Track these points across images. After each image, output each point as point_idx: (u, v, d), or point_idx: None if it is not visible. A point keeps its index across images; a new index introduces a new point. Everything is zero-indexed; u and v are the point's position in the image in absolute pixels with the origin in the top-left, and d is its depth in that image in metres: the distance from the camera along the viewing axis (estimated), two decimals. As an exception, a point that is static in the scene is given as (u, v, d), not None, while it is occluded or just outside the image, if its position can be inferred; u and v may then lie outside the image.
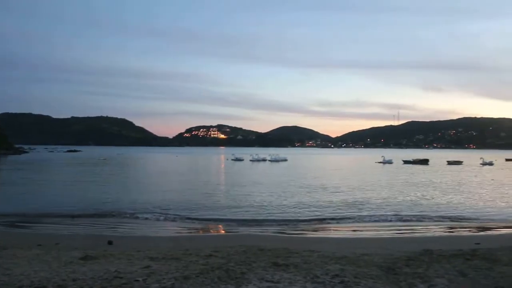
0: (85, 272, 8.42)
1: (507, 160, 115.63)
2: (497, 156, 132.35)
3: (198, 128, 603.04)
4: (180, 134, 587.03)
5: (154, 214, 23.17)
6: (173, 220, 21.81)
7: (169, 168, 72.98)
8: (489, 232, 18.85)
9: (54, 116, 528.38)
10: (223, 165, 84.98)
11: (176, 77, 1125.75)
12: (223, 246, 12.69)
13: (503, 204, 28.91)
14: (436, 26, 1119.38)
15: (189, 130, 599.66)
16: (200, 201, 28.36)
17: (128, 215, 22.82)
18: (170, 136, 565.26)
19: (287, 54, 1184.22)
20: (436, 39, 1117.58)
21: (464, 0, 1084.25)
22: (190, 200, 29.04)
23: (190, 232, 18.89)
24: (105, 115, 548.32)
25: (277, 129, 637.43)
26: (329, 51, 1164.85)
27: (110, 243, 14.29)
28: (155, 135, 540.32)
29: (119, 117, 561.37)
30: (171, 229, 19.41)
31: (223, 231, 19.41)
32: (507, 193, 35.37)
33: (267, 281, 8.08)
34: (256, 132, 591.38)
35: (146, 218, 22.01)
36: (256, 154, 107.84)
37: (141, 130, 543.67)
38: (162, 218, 22.19)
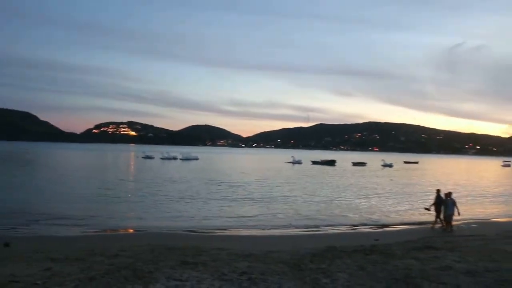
0: (-26, 277, 7.82)
1: (405, 162, 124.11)
2: (397, 158, 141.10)
3: (107, 124, 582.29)
4: (89, 130, 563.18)
5: (56, 214, 21.98)
6: (79, 219, 20.83)
7: (72, 166, 69.69)
8: (387, 229, 20.12)
9: None
10: (132, 163, 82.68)
11: (87, 71, 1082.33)
12: (131, 245, 12.41)
13: (399, 202, 30.92)
14: (347, 34, 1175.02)
15: (98, 126, 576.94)
16: (105, 202, 27.48)
17: (28, 216, 21.42)
18: (78, 132, 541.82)
19: (202, 53, 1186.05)
20: (347, 46, 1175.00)
21: (374, 11, 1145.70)
22: (95, 200, 28.03)
23: (96, 232, 18.20)
24: (5, 107, 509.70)
25: (189, 127, 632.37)
26: (243, 52, 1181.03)
27: (6, 245, 13.39)
28: (61, 131, 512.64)
29: (21, 110, 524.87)
30: (75, 229, 18.58)
31: (130, 230, 18.95)
32: (403, 192, 37.85)
33: (175, 279, 8.03)
34: (168, 130, 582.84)
35: (49, 219, 20.77)
36: (167, 152, 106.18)
37: (46, 124, 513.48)
38: (65, 219, 21.07)
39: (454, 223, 20.38)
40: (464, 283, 8.80)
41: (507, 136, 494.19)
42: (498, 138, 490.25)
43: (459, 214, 19.60)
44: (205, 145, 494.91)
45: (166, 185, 38.05)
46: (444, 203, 19.73)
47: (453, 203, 19.54)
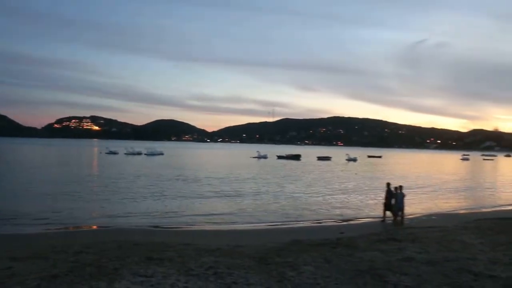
0: None
1: (369, 156, 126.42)
2: (360, 153, 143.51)
3: (70, 118, 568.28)
4: (50, 125, 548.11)
5: (15, 212, 21.33)
6: (40, 217, 20.29)
7: (32, 162, 67.80)
8: (352, 222, 20.45)
9: None
10: (96, 159, 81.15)
11: (48, 64, 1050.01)
12: (96, 242, 12.22)
13: (363, 196, 31.49)
14: (312, 29, 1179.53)
15: (60, 121, 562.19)
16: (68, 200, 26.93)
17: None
18: (39, 127, 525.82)
19: (167, 46, 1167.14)
20: (311, 41, 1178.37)
21: (339, 7, 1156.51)
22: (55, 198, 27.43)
23: (59, 229, 17.76)
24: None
25: (154, 122, 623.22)
26: (207, 46, 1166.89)
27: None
28: (20, 125, 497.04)
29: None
30: (36, 227, 18.10)
31: (95, 227, 18.62)
32: (367, 186, 38.56)
33: (140, 276, 7.97)
34: (132, 125, 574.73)
35: (7, 217, 20.03)
36: (132, 148, 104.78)
37: (4, 119, 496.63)
38: (25, 217, 20.42)
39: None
40: (425, 273, 9.08)
41: (466, 130, 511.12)
42: (457, 132, 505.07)
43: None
44: (170, 140, 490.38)
45: (131, 181, 37.52)
46: (394, 197, 19.63)
47: (403, 197, 19.58)
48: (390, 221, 19.80)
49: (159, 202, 25.86)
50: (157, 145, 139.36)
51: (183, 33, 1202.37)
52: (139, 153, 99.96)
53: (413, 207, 26.10)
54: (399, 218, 19.46)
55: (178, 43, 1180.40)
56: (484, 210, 25.65)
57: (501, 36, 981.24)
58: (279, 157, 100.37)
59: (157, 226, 18.44)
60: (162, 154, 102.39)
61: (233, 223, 20.01)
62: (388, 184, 20.48)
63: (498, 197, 34.96)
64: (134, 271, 8.29)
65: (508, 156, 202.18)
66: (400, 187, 20.05)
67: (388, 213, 20.04)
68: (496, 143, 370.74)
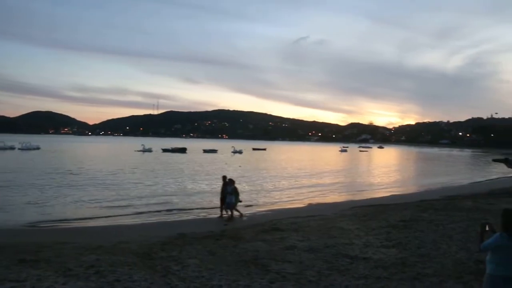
0: None
1: (254, 149, 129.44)
2: (246, 145, 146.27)
3: None
4: None
5: None
6: None
7: None
8: (236, 213, 20.63)
9: None
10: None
11: None
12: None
13: (246, 187, 32.19)
14: (196, 22, 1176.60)
15: None
16: None
17: None
18: None
19: (41, 33, 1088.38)
20: (196, 34, 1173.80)
21: (223, 1, 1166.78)
22: None
23: None
24: None
25: (29, 114, 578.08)
26: (87, 34, 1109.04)
27: None
28: None
29: None
30: None
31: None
32: (248, 178, 39.47)
33: (10, 281, 7.33)
34: (4, 117, 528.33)
35: None
36: (3, 142, 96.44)
37: None
38: None
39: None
40: (307, 260, 9.51)
41: (344, 124, 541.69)
42: (337, 126, 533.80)
43: (238, 202, 18.57)
44: (48, 133, 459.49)
45: (0, 177, 34.44)
46: (230, 191, 18.10)
47: (235, 190, 18.25)
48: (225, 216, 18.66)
49: (31, 198, 23.91)
50: (32, 139, 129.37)
51: (55, 19, 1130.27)
52: (11, 148, 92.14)
53: (294, 197, 27.37)
54: (228, 214, 18.35)
55: (51, 29, 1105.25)
56: (359, 198, 27.45)
57: (374, 36, 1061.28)
58: (164, 150, 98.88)
59: (30, 225, 17.10)
60: (38, 148, 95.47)
61: (115, 218, 19.28)
62: (224, 178, 19.31)
63: (370, 184, 37.88)
64: (3, 276, 7.60)
65: (381, 147, 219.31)
66: (232, 181, 18.71)
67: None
68: (371, 135, 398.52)
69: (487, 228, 5.43)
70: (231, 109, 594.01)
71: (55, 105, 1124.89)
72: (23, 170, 41.43)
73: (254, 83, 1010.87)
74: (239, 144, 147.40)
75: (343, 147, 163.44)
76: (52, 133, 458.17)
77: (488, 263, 5.34)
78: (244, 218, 18.23)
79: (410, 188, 34.15)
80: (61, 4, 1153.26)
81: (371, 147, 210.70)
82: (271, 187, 33.24)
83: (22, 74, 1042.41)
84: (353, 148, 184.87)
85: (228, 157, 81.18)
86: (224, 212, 18.60)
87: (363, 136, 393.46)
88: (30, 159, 60.35)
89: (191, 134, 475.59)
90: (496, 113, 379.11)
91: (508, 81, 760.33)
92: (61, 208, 21.43)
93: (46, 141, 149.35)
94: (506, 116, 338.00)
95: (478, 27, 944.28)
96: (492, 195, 25.09)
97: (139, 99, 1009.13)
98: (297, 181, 38.62)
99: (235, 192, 18.23)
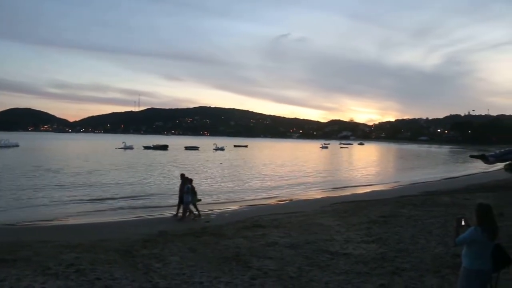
0: None
1: (235, 146, 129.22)
2: (227, 142, 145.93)
3: None
4: None
5: None
6: None
7: None
8: (217, 210, 20.61)
9: None
10: None
11: None
12: None
13: (227, 184, 32.22)
14: (178, 18, 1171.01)
15: None
16: None
17: None
18: None
19: (21, 29, 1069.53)
20: (177, 31, 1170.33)
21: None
22: None
23: None
24: None
25: (7, 111, 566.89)
26: (66, 30, 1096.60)
27: None
28: None
29: None
30: None
31: None
32: (230, 175, 39.52)
33: (-12, 281, 7.25)
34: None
35: None
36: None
37: None
38: None
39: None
40: (288, 256, 9.58)
41: (325, 121, 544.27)
42: (317, 122, 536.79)
43: (196, 201, 17.88)
44: (27, 130, 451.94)
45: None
46: (186, 190, 17.37)
47: (191, 189, 17.55)
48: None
49: (10, 197, 23.61)
50: (11, 136, 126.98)
51: (36, 13, 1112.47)
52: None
53: (275, 194, 27.49)
54: (181, 213, 17.65)
55: (33, 25, 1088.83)
56: (340, 194, 27.66)
57: (354, 34, 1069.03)
58: (146, 147, 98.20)
59: (8, 224, 16.83)
60: (17, 145, 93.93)
61: (96, 216, 19.11)
62: (182, 176, 18.88)
63: (351, 181, 38.13)
64: (-20, 277, 7.50)
65: (361, 144, 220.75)
66: (190, 180, 18.28)
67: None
68: (352, 132, 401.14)
69: (462, 223, 5.53)
70: (212, 106, 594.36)
71: (35, 102, 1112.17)
72: (1, 168, 40.65)
73: (235, 80, 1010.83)
74: (220, 141, 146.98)
75: (324, 143, 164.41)
76: (31, 130, 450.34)
77: (463, 257, 5.45)
78: (202, 217, 17.46)
79: (390, 184, 34.53)
80: (44, 1, 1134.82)
81: (351, 144, 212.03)
82: (253, 184, 33.31)
83: (2, 70, 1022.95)
84: (334, 144, 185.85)
85: (210, 154, 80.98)
86: (180, 211, 17.75)
87: (344, 133, 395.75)
88: (9, 157, 59.34)
89: (173, 131, 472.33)
90: (473, 110, 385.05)
91: (485, 79, 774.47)
92: (41, 207, 21.18)
93: (25, 138, 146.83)
94: (483, 113, 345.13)
95: (455, 26, 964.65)
96: (469, 190, 25.50)
97: (120, 96, 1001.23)
98: (278, 177, 38.72)
99: (192, 191, 17.59)
